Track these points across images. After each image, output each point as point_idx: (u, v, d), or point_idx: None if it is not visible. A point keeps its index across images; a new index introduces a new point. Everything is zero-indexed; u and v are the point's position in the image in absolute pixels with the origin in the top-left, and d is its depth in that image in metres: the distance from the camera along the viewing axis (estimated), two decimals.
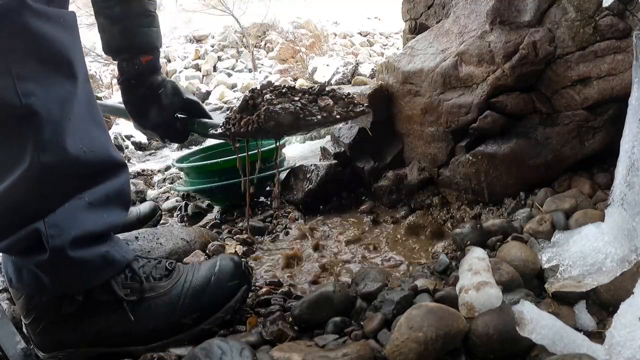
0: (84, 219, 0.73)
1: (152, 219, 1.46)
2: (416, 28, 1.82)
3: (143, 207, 1.48)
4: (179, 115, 1.20)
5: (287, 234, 1.35)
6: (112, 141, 0.84)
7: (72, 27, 0.74)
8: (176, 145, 3.99)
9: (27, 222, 0.69)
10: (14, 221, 0.70)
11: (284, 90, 0.93)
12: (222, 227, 1.41)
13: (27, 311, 0.76)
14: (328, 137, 1.72)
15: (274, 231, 1.36)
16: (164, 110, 1.14)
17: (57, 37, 0.70)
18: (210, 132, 1.10)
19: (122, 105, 1.17)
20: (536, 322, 0.65)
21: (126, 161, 0.90)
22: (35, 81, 0.67)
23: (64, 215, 0.71)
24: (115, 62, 1.10)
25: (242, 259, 0.91)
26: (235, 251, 1.21)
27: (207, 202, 1.66)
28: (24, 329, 0.79)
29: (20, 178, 0.68)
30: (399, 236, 1.26)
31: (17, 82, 0.65)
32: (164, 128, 1.17)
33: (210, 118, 1.20)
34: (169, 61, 11.39)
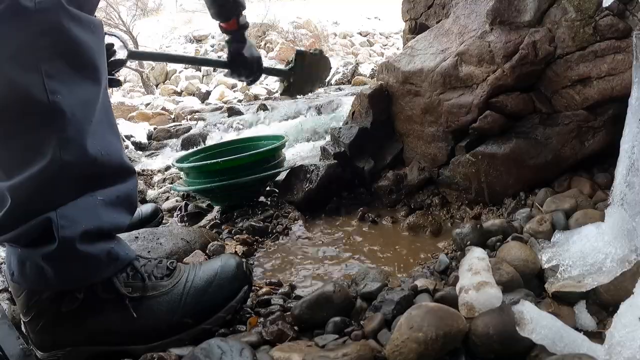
0: (95, 215, 0.75)
1: (153, 220, 1.46)
2: (416, 28, 1.82)
3: (145, 209, 1.48)
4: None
5: (287, 234, 1.35)
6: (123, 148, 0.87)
7: (100, 34, 0.76)
8: (176, 145, 4.00)
9: (39, 213, 0.70)
10: (26, 211, 0.70)
11: None
12: (222, 227, 1.41)
13: (27, 309, 0.76)
14: (328, 137, 1.72)
15: (274, 231, 1.36)
16: (257, 53, 1.72)
17: (87, 41, 0.72)
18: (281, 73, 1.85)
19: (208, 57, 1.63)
20: (536, 322, 0.65)
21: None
22: (62, 81, 0.69)
23: (76, 208, 0.73)
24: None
25: (244, 260, 0.91)
26: (235, 251, 1.21)
27: (207, 202, 1.66)
28: (23, 328, 0.79)
29: (39, 172, 0.69)
30: (399, 236, 1.26)
31: (45, 80, 0.67)
32: (258, 66, 1.71)
33: None
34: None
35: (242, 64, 1.67)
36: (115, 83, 1.41)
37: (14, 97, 0.67)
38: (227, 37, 1.66)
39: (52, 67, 0.68)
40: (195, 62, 1.77)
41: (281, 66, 1.83)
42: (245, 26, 1.63)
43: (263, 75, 1.86)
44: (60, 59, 0.69)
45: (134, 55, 1.65)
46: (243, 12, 1.61)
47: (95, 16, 0.77)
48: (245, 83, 1.74)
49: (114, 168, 0.78)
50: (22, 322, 0.79)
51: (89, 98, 0.74)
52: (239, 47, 1.65)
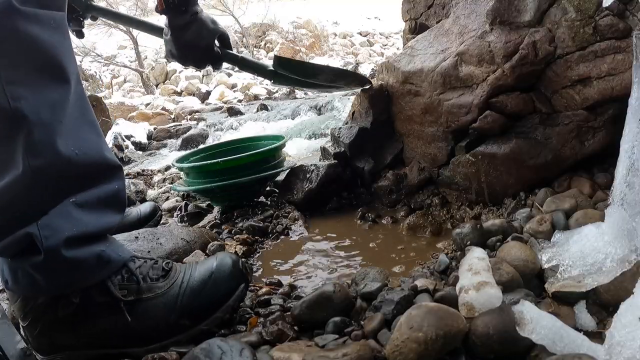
0: (76, 220, 0.73)
1: (152, 219, 1.46)
2: (416, 28, 1.82)
3: (144, 208, 1.48)
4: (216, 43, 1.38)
5: (287, 234, 1.35)
6: (107, 143, 0.85)
7: (62, 28, 0.74)
8: (176, 145, 4.00)
9: (20, 225, 0.69)
10: (6, 224, 0.69)
11: None
12: (222, 227, 1.41)
13: (24, 314, 0.76)
14: (328, 137, 1.72)
15: (274, 231, 1.36)
16: (208, 34, 1.31)
17: (48, 40, 0.70)
18: (258, 70, 1.45)
19: (155, 24, 1.42)
20: (536, 322, 0.65)
21: (121, 163, 0.90)
22: (24, 85, 0.68)
23: (57, 216, 0.71)
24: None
25: (240, 258, 0.90)
26: (235, 251, 1.21)
27: (207, 202, 1.66)
28: (22, 332, 0.79)
29: (13, 183, 0.68)
30: (399, 236, 1.26)
31: (5, 86, 0.66)
32: (204, 50, 1.33)
33: None
34: (169, 61, 11.42)
35: (184, 45, 1.30)
36: (77, 34, 1.38)
37: None
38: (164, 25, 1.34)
39: (12, 73, 0.66)
40: (134, 23, 1.62)
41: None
42: (177, 3, 1.24)
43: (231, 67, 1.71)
44: (21, 63, 0.67)
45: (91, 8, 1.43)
46: None
47: (61, 10, 0.74)
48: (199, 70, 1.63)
49: (95, 166, 0.76)
50: (20, 325, 0.79)
51: (57, 98, 0.71)
52: (178, 20, 1.27)
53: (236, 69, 1.23)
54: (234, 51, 1.44)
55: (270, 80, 1.45)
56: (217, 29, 1.34)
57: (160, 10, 1.25)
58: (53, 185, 0.71)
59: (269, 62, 1.45)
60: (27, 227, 0.69)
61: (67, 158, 0.71)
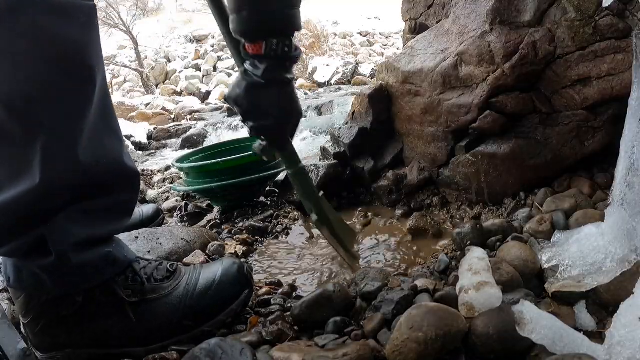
0: (86, 225, 0.73)
1: (155, 221, 1.46)
2: (416, 28, 1.82)
3: (146, 209, 1.48)
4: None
5: (287, 234, 1.35)
6: (126, 148, 0.79)
7: (91, 21, 0.67)
8: (176, 145, 3.99)
9: (31, 228, 0.68)
10: (18, 227, 0.68)
11: None
12: (222, 227, 1.41)
13: (26, 310, 0.76)
14: (328, 137, 1.72)
15: (274, 231, 1.36)
16: (297, 107, 1.02)
17: (74, 36, 0.64)
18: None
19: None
20: (536, 322, 0.65)
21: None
22: (45, 87, 0.63)
23: (67, 220, 0.70)
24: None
25: (245, 263, 0.91)
26: (235, 251, 1.21)
27: (207, 202, 1.67)
28: (22, 329, 0.79)
29: (28, 192, 0.65)
30: (398, 236, 1.26)
31: (24, 87, 0.61)
32: (294, 125, 1.04)
33: None
34: (169, 61, 11.42)
35: (257, 116, 0.98)
36: None
37: None
38: (246, 64, 0.94)
39: (33, 73, 0.61)
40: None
41: None
42: (279, 56, 0.92)
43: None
44: (43, 63, 0.62)
45: None
46: (286, 33, 0.93)
47: (91, 6, 0.67)
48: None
49: (113, 173, 0.74)
50: (21, 323, 0.79)
51: (80, 102, 0.67)
52: (276, 74, 0.94)
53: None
54: None
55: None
56: (300, 109, 1.05)
57: (253, 54, 0.93)
58: (67, 192, 0.69)
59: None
60: (38, 229, 0.68)
61: (87, 168, 0.69)
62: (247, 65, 0.96)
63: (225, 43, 1.05)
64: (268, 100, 0.96)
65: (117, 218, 0.79)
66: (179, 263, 0.92)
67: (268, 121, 0.98)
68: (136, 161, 3.41)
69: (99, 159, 0.70)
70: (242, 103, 0.97)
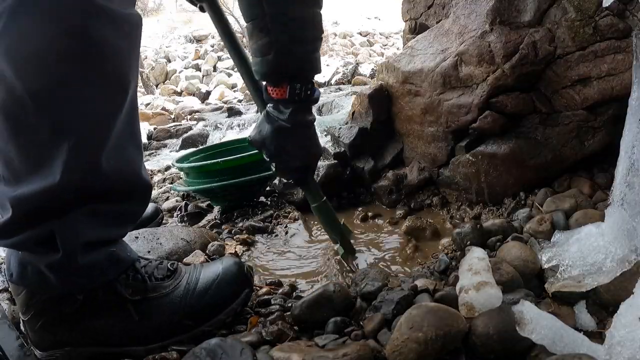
0: (95, 226, 0.73)
1: (154, 220, 1.46)
2: (416, 28, 1.82)
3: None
4: None
5: (287, 234, 1.35)
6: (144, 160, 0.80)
7: (135, 32, 0.69)
8: (176, 145, 4.00)
9: (43, 222, 0.69)
10: (30, 220, 0.69)
11: None
12: (222, 227, 1.41)
13: (26, 307, 0.76)
14: (328, 137, 1.72)
15: (274, 231, 1.36)
16: (319, 146, 1.10)
17: (116, 44, 0.64)
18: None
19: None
20: (536, 322, 0.65)
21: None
22: (79, 90, 0.64)
23: (78, 220, 0.71)
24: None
25: (245, 263, 0.91)
26: (235, 251, 1.21)
27: (207, 202, 1.67)
28: (22, 326, 0.79)
29: (45, 190, 0.66)
30: (398, 236, 1.26)
31: (58, 89, 0.62)
32: (313, 166, 1.12)
33: None
34: (169, 61, 11.42)
35: (284, 158, 1.06)
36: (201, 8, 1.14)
37: (19, 104, 0.62)
38: (269, 107, 1.02)
39: (69, 74, 0.62)
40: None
41: None
42: (302, 100, 0.99)
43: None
44: (81, 65, 0.62)
45: None
46: (308, 77, 1.00)
47: (134, 10, 0.68)
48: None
49: (128, 186, 0.75)
50: (21, 320, 0.79)
51: (111, 111, 0.68)
52: (301, 117, 1.01)
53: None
54: None
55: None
56: (320, 150, 1.14)
57: (277, 98, 0.99)
58: (84, 194, 0.70)
59: None
60: (50, 223, 0.69)
61: (106, 175, 0.70)
62: (270, 109, 1.02)
63: (263, 115, 1.07)
64: (294, 143, 1.03)
65: (123, 224, 0.80)
66: (179, 262, 0.92)
67: (295, 163, 1.06)
68: None
69: (119, 168, 0.71)
70: (269, 147, 1.04)
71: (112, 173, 0.70)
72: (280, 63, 0.94)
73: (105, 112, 0.68)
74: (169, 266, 0.84)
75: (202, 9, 1.15)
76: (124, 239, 0.85)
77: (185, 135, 4.12)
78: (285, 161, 1.06)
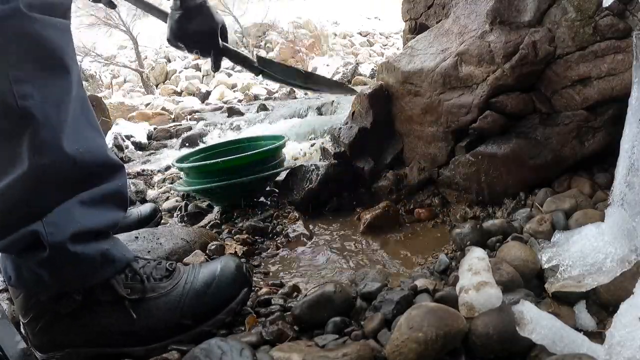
0: (81, 217, 0.74)
1: (152, 220, 1.46)
2: (416, 28, 1.82)
3: (144, 209, 1.48)
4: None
5: (287, 234, 1.35)
6: (108, 143, 0.86)
7: (67, 32, 0.75)
8: (176, 145, 3.99)
9: (25, 223, 0.70)
10: (12, 221, 0.70)
11: None
12: (222, 227, 1.41)
13: (25, 310, 0.76)
14: (328, 137, 1.72)
15: (274, 231, 1.36)
16: (214, 22, 1.31)
17: (52, 38, 0.71)
18: (246, 64, 1.46)
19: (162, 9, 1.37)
20: (536, 322, 0.65)
21: (123, 163, 0.91)
22: (31, 83, 0.68)
23: (61, 213, 0.72)
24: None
25: (244, 262, 0.91)
26: (235, 251, 1.21)
27: (207, 202, 1.67)
28: (22, 328, 0.79)
29: (19, 180, 0.68)
30: (398, 236, 1.26)
31: (13, 85, 0.67)
32: (213, 36, 1.33)
33: None
34: (169, 61, 11.42)
35: (194, 29, 1.29)
36: (110, 4, 1.37)
37: None
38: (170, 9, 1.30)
39: (20, 71, 0.68)
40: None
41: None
42: None
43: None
44: (28, 62, 0.69)
45: None
46: None
47: (65, 18, 0.76)
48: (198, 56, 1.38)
49: (98, 165, 0.77)
50: (21, 322, 0.79)
51: (61, 96, 0.73)
52: (190, 2, 1.25)
53: (236, 68, 1.22)
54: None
55: (257, 75, 1.52)
56: (221, 18, 1.38)
57: None
58: (58, 183, 0.72)
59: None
60: (33, 224, 0.70)
61: (72, 157, 0.72)
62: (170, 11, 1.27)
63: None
64: (195, 21, 1.27)
65: (110, 209, 0.80)
66: (177, 262, 0.92)
67: (204, 37, 1.30)
68: (135, 161, 3.40)
69: (81, 149, 0.74)
70: (182, 36, 1.29)
71: (78, 155, 0.73)
72: None
73: (57, 100, 0.72)
74: (167, 266, 0.84)
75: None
76: (123, 240, 0.85)
77: (185, 135, 4.11)
78: (196, 40, 1.30)
